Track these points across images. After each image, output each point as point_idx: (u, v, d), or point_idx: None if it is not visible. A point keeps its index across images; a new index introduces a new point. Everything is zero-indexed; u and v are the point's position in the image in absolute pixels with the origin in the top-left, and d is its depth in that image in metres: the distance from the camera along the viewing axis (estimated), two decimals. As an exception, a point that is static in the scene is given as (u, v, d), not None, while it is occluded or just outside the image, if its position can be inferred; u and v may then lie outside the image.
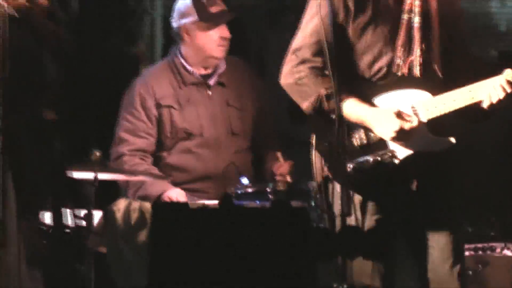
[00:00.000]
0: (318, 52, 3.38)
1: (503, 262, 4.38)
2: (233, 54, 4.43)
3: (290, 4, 3.70)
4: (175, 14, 4.29)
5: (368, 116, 3.32)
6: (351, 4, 3.36)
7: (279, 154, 4.19)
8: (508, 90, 3.29)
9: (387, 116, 3.32)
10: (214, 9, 4.22)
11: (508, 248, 4.41)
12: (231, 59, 4.33)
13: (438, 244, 3.40)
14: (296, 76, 3.44)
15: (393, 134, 3.30)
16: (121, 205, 4.06)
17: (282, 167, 4.18)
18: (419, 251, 3.45)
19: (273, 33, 5.22)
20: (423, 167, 3.38)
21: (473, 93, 3.32)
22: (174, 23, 4.28)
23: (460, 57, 3.48)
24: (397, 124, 3.30)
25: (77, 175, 3.80)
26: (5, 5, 3.14)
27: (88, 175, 3.74)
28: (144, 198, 4.08)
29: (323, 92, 3.36)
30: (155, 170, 4.19)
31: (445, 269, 3.40)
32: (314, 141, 3.46)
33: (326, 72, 3.30)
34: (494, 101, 3.30)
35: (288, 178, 4.16)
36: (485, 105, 3.32)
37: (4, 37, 3.12)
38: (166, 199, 4.08)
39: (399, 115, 3.32)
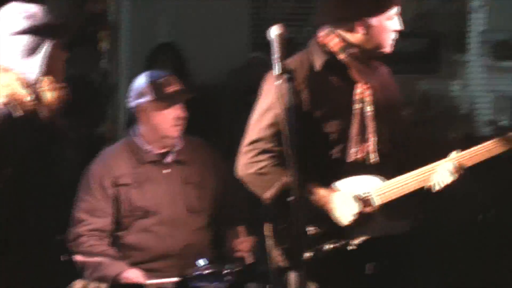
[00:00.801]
0: (277, 143, 3.41)
1: None
2: (199, 134, 4.45)
3: (255, 84, 3.77)
4: (132, 94, 4.32)
5: (327, 199, 3.34)
6: (304, 97, 3.40)
7: (241, 229, 4.17)
8: (456, 176, 3.33)
9: (346, 200, 3.34)
10: (169, 89, 4.24)
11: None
12: (189, 138, 4.34)
13: None
14: (256, 166, 3.45)
15: (352, 218, 3.32)
16: (78, 286, 4.02)
17: (243, 243, 4.16)
18: None
19: (240, 112, 5.27)
20: (379, 251, 3.38)
21: (423, 176, 3.37)
22: (132, 103, 4.31)
23: (407, 141, 3.56)
24: (356, 207, 3.32)
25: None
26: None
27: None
28: (101, 279, 4.03)
29: (286, 180, 3.37)
30: (112, 251, 4.15)
31: None
32: (269, 230, 3.46)
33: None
34: (443, 185, 3.34)
35: (249, 256, 4.14)
36: (436, 189, 3.36)
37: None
38: (124, 280, 4.03)
39: (358, 198, 3.34)
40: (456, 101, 6.66)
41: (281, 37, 3.14)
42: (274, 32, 3.15)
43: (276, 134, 3.41)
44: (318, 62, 3.45)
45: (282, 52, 3.12)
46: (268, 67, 3.96)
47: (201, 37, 6.00)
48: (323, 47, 3.46)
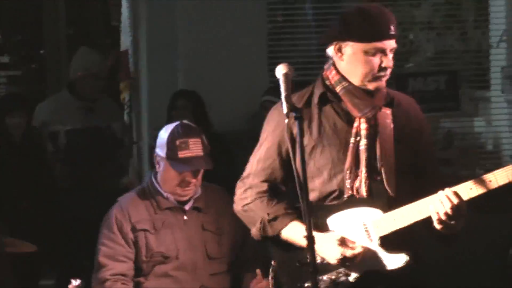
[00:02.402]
0: (265, 179, 3.42)
1: None
2: (219, 180, 4.43)
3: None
4: (157, 140, 4.29)
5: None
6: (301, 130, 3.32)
7: (258, 271, 4.14)
8: (455, 201, 3.17)
9: (329, 243, 3.27)
10: (183, 154, 4.12)
11: None
12: (208, 185, 4.32)
13: None
14: (243, 202, 3.45)
15: (336, 262, 3.27)
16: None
17: (259, 284, 4.13)
18: None
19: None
20: (379, 283, 3.31)
21: (420, 207, 3.24)
22: (155, 149, 4.28)
23: (427, 173, 3.42)
24: (339, 252, 3.25)
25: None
26: None
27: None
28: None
29: (265, 217, 3.36)
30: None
31: None
32: (272, 270, 3.46)
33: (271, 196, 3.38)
34: (442, 215, 3.20)
35: None
36: (434, 220, 3.22)
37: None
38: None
39: (342, 242, 3.27)
40: (482, 137, 6.63)
41: (287, 76, 3.15)
42: (280, 71, 3.17)
43: (265, 168, 3.41)
44: (316, 95, 3.39)
45: (288, 91, 3.12)
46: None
47: (220, 83, 6.05)
48: (324, 80, 3.39)
